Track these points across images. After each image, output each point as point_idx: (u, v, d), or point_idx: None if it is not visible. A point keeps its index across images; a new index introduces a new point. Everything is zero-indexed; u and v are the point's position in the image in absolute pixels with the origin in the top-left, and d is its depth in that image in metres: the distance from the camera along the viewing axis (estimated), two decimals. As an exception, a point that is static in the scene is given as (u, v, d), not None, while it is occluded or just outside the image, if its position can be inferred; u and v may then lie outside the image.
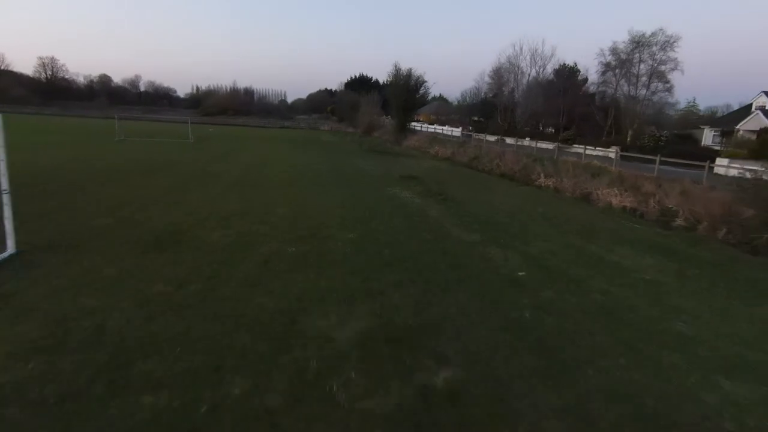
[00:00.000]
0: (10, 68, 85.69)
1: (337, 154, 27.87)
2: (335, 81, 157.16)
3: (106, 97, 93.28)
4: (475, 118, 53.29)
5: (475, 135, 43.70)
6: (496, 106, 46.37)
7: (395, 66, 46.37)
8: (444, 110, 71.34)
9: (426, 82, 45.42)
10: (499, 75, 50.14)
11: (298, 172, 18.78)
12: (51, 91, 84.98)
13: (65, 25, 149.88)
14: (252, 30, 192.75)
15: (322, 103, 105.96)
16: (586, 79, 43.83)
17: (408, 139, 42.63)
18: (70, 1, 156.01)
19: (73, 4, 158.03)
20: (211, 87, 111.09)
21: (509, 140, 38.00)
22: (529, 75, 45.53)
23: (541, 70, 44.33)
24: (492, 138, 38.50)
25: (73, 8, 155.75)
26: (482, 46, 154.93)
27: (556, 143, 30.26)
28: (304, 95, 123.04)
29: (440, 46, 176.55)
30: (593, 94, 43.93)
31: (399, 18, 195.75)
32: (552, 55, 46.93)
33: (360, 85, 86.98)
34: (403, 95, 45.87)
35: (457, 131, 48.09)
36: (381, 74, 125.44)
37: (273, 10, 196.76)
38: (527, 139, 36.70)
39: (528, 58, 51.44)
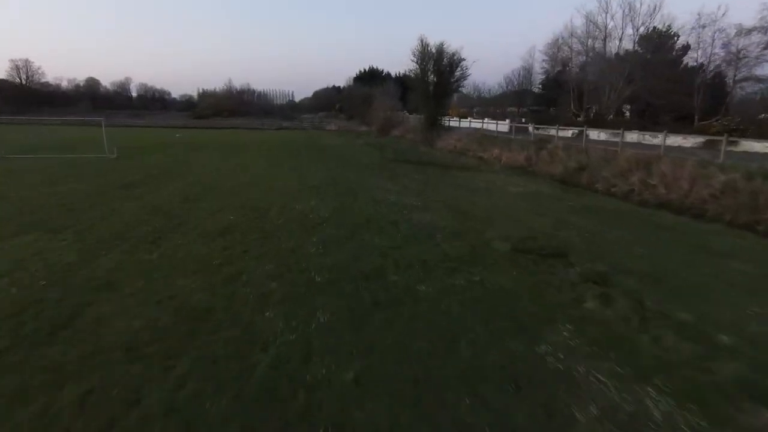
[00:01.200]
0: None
1: (346, 172, 16.58)
2: (344, 77, 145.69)
3: (91, 101, 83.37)
4: (531, 108, 41.56)
5: (534, 128, 32.08)
6: (569, 87, 33.90)
7: (421, 41, 34.89)
8: (466, 103, 59.57)
9: (464, 60, 33.82)
10: (557, 49, 38.14)
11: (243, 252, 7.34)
12: (24, 96, 75.36)
13: (47, 26, 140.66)
14: (254, 28, 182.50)
15: (328, 100, 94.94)
16: (687, 47, 31.36)
17: (442, 138, 31.08)
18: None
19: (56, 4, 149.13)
20: (209, 89, 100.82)
21: (594, 134, 26.15)
22: (620, 39, 32.25)
23: (636, 33, 31.47)
24: (567, 132, 26.71)
25: (59, 9, 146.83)
26: (505, 31, 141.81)
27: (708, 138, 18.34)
28: (311, 94, 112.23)
29: (462, 35, 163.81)
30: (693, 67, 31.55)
31: (408, 8, 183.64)
32: (657, 8, 33.07)
33: (370, 79, 75.69)
34: (434, 79, 34.49)
35: (502, 125, 36.24)
36: (393, 67, 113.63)
37: (276, 6, 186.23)
38: (639, 133, 24.49)
39: (620, 15, 35.21)
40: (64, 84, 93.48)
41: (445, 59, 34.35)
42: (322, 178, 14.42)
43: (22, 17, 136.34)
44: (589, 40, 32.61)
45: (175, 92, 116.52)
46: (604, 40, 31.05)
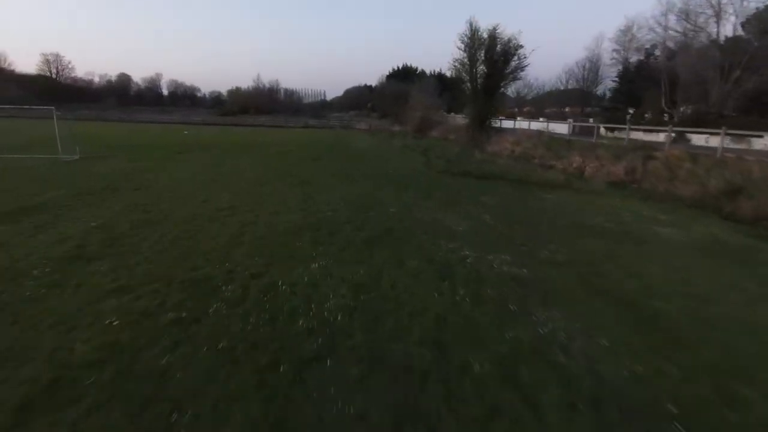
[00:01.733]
0: (11, 68, 75.82)
1: (379, 189, 11.42)
2: (376, 77, 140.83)
3: (117, 97, 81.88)
4: (602, 105, 35.13)
5: (606, 128, 25.91)
6: (658, 79, 27.03)
7: (470, 24, 29.25)
8: (510, 100, 53.03)
9: (522, 47, 27.90)
10: (630, 37, 31.54)
11: None
12: (54, 91, 74.24)
13: (79, 21, 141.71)
14: (286, 26, 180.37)
15: (360, 98, 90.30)
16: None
17: (493, 141, 25.39)
18: None
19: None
20: (239, 86, 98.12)
21: (701, 138, 19.87)
22: (736, 16, 24.78)
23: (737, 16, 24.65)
24: (661, 136, 20.51)
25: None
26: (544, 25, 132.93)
27: None
28: (342, 93, 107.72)
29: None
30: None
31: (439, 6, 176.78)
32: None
33: (404, 76, 70.42)
34: (484, 69, 28.74)
35: (560, 126, 30.10)
36: (429, 66, 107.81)
37: (309, 4, 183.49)
38: None
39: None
40: (96, 79, 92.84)
41: (498, 46, 28.62)
42: (342, 202, 9.20)
43: (54, 12, 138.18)
44: (694, 20, 25.52)
45: (206, 89, 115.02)
46: (718, 18, 24.08)
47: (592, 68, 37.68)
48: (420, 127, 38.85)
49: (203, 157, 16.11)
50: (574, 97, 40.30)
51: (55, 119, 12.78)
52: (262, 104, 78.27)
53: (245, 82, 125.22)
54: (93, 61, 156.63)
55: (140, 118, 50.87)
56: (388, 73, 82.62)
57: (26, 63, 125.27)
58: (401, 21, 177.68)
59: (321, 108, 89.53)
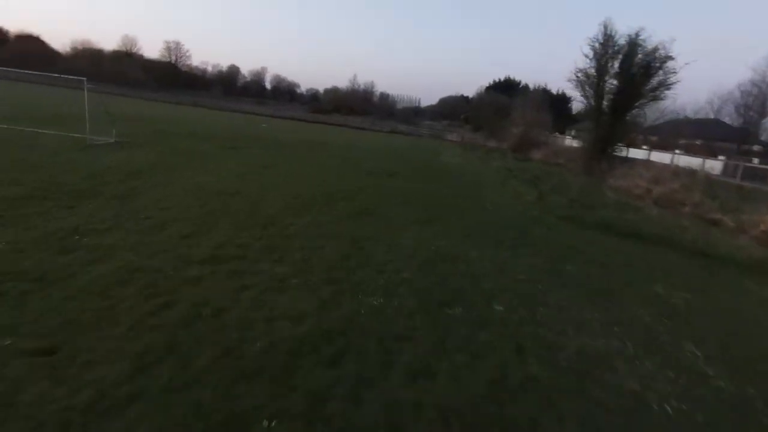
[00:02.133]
0: (140, 52, 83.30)
1: (469, 246, 7.21)
2: (474, 88, 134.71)
3: (225, 87, 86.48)
4: None
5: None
6: None
7: (604, 27, 23.68)
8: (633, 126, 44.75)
9: (672, 59, 21.75)
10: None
11: None
12: (172, 77, 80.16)
13: (198, 12, 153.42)
14: (389, 30, 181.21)
15: (455, 108, 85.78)
16: None
17: (617, 173, 19.75)
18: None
19: None
20: (335, 86, 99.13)
21: None
22: None
23: None
24: None
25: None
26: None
27: None
28: (436, 101, 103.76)
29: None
30: None
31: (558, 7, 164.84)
32: None
33: (506, 90, 64.74)
34: (615, 84, 23.07)
35: (708, 164, 23.23)
36: (533, 80, 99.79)
37: (412, 9, 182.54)
38: None
39: None
40: (209, 69, 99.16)
41: (639, 56, 22.75)
42: (406, 270, 5.25)
43: (179, 2, 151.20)
44: None
45: (305, 86, 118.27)
46: None
47: (759, 95, 29.42)
48: (520, 145, 33.67)
49: (250, 157, 13.16)
50: (726, 130, 32.09)
51: (86, 92, 10.52)
52: (356, 105, 77.34)
53: (343, 82, 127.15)
54: (208, 51, 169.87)
55: (235, 107, 51.64)
56: (487, 85, 77.32)
57: (151, 49, 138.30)
58: (505, 30, 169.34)
59: (413, 114, 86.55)
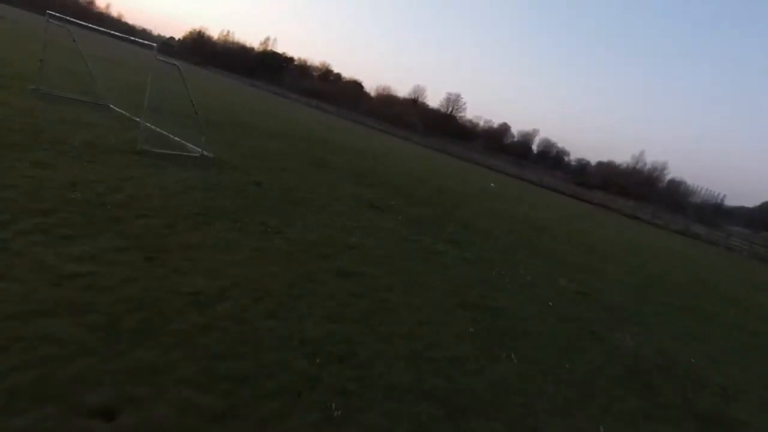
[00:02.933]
0: (426, 102, 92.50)
1: None
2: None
3: (488, 142, 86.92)
4: None
5: None
6: None
7: None
8: None
9: None
10: None
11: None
12: (447, 126, 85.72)
13: (484, 71, 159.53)
14: (699, 109, 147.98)
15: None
16: None
17: None
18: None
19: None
20: (611, 160, 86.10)
21: None
22: None
23: None
24: None
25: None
26: None
27: None
28: (750, 204, 75.82)
29: None
30: None
31: None
32: None
33: None
34: None
35: None
36: None
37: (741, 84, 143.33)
38: None
39: None
40: (481, 123, 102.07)
41: None
42: None
43: (462, 61, 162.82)
44: None
45: (574, 154, 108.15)
46: None
47: None
48: None
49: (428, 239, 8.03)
50: None
51: (183, 78, 7.53)
52: (634, 187, 63.85)
53: (624, 158, 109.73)
54: (483, 106, 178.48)
55: (478, 160, 48.85)
56: None
57: (434, 99, 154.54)
58: None
59: (713, 214, 65.22)
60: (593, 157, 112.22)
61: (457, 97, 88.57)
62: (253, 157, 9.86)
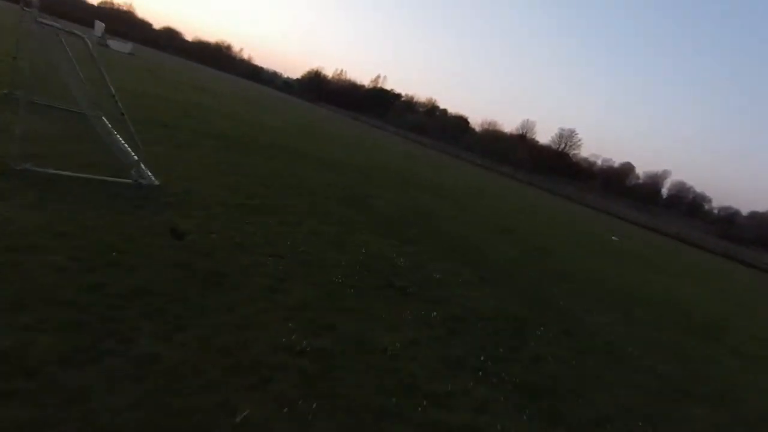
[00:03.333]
0: (535, 138, 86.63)
1: None
2: None
3: (607, 182, 77.77)
4: None
5: None
6: None
7: None
8: None
9: None
10: None
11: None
12: (558, 164, 78.98)
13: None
14: None
15: None
16: None
17: None
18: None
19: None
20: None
21: None
22: None
23: None
24: None
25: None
26: None
27: None
28: None
29: None
30: None
31: None
32: None
33: None
34: None
35: None
36: None
37: None
38: None
39: None
40: (599, 162, 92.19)
41: None
42: None
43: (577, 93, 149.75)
44: None
45: (717, 202, 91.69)
46: None
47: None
48: None
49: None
50: None
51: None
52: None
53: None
54: (601, 144, 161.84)
55: (594, 203, 42.47)
56: None
57: (544, 135, 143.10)
58: None
59: None
60: (744, 207, 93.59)
61: (571, 133, 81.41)
62: (248, 188, 6.68)
